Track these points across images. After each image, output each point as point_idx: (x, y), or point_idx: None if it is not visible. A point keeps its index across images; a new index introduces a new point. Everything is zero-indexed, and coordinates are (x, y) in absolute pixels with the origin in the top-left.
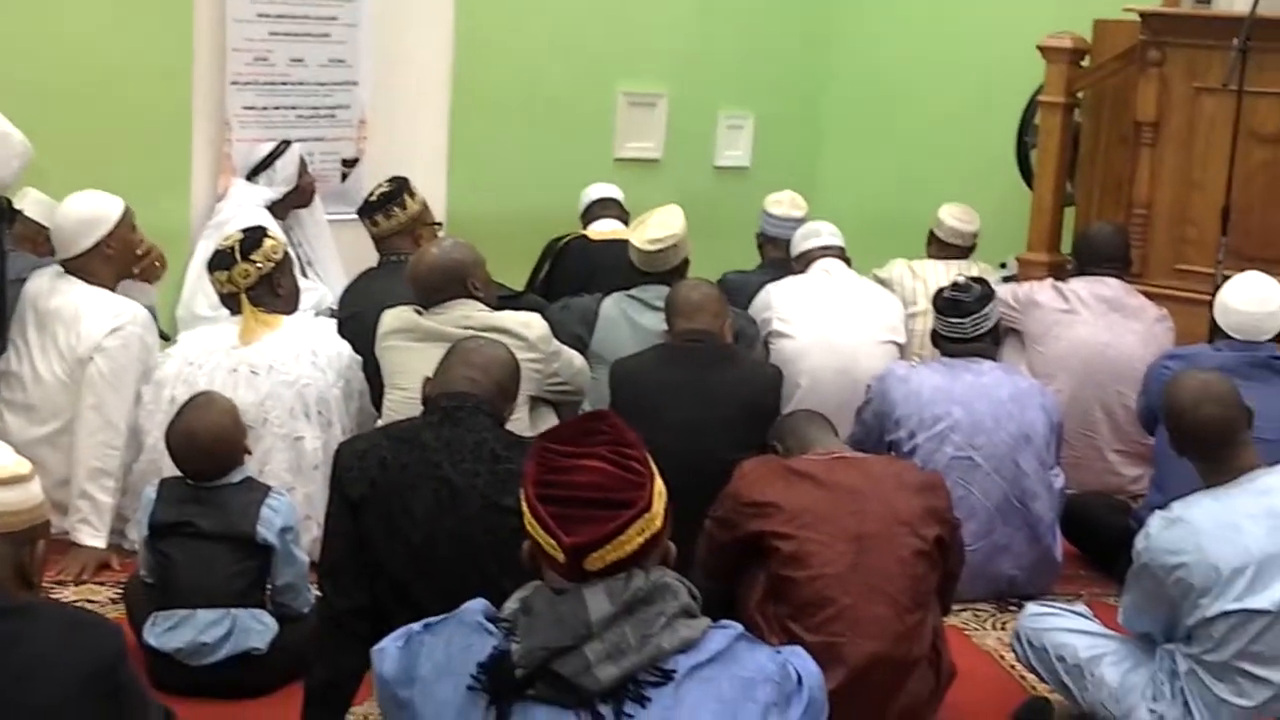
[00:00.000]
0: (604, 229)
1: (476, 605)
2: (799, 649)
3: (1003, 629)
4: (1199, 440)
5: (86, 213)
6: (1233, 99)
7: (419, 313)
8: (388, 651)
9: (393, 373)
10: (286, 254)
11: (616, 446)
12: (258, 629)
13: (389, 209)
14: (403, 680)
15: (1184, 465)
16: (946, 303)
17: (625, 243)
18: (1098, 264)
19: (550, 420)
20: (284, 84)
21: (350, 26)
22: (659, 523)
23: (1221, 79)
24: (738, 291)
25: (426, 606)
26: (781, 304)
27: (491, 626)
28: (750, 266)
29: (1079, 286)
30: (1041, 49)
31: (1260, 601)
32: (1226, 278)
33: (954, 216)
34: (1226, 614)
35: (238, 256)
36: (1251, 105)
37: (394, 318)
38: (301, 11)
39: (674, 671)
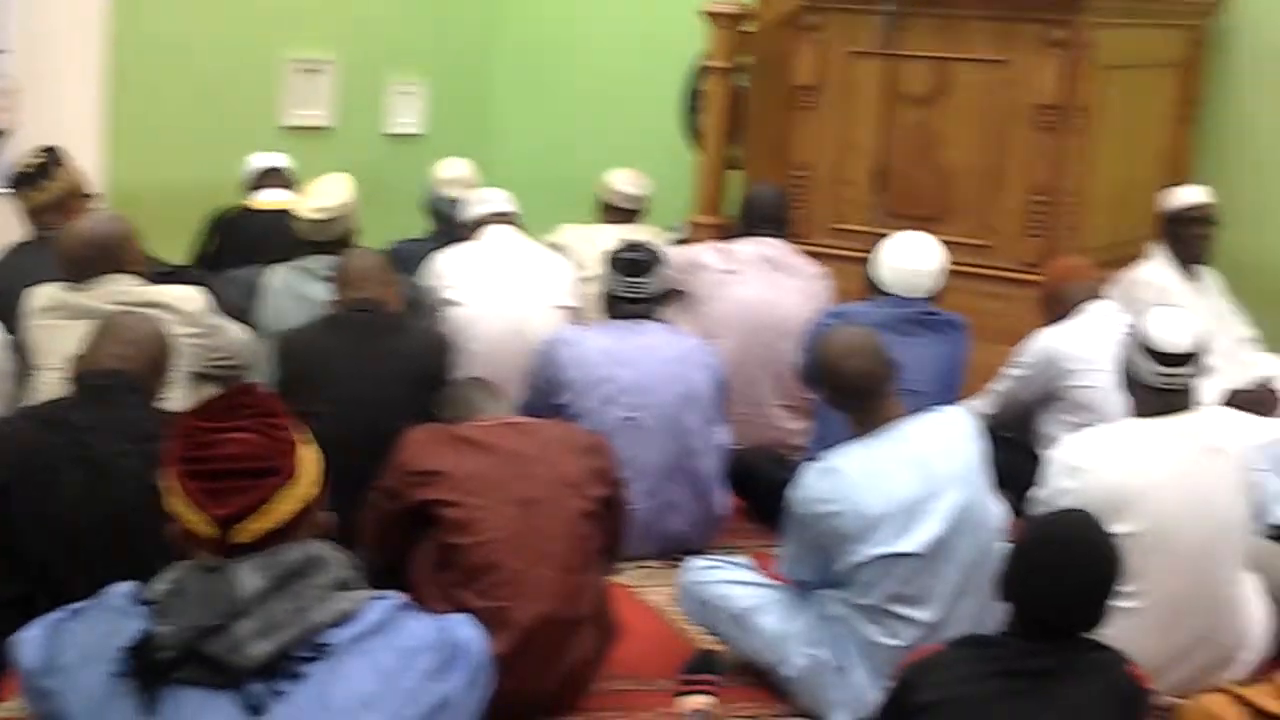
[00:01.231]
0: (269, 199)
1: (123, 588)
2: (461, 616)
3: (669, 585)
4: (846, 393)
5: None
6: (885, 63)
7: (69, 289)
8: (29, 640)
9: (42, 353)
10: None
11: (262, 418)
12: None
13: (39, 182)
14: (46, 670)
15: (842, 418)
16: (625, 263)
17: (291, 213)
18: (760, 225)
19: None
20: None
21: None
22: (309, 491)
23: (875, 43)
24: (409, 260)
25: (78, 594)
26: (452, 272)
27: (139, 609)
28: (424, 234)
29: (741, 247)
30: (705, 13)
31: (907, 545)
32: (881, 236)
33: (623, 181)
34: (876, 558)
35: None
36: (903, 68)
37: (42, 296)
38: None
39: (329, 645)
